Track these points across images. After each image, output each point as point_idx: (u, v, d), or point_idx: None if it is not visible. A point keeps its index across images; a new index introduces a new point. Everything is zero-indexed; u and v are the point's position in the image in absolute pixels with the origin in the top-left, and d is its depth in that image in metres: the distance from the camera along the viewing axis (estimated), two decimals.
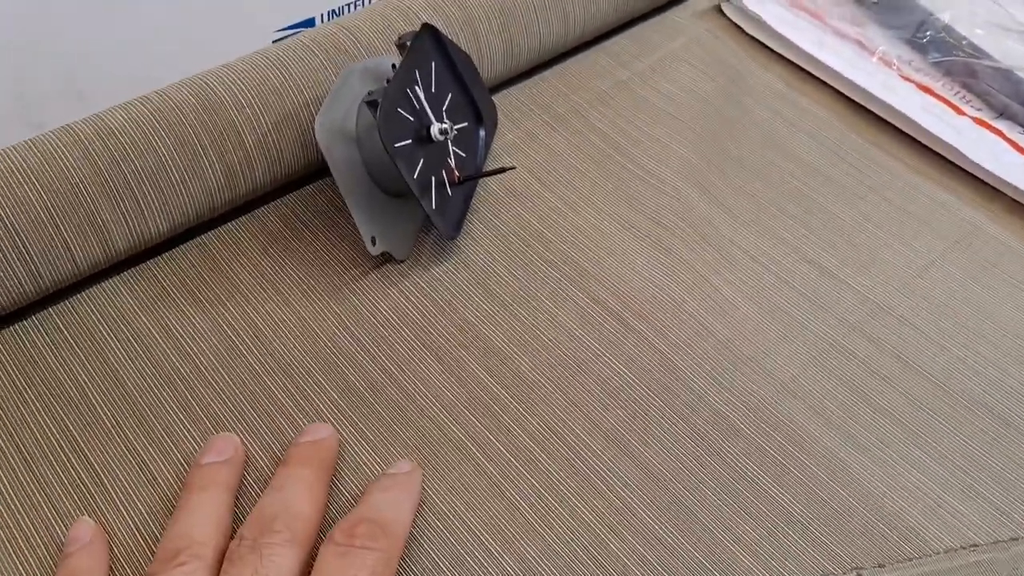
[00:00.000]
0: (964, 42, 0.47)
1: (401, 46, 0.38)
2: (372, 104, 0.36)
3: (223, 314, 0.37)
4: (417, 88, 0.37)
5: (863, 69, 0.48)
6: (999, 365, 0.38)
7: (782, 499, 0.33)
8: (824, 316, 0.39)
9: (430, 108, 0.38)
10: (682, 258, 0.40)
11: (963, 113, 0.46)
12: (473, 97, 0.42)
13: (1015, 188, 0.43)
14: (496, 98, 0.47)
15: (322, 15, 0.44)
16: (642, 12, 0.53)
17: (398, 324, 0.37)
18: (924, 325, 0.39)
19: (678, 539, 0.31)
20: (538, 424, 0.34)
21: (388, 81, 0.39)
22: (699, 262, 0.40)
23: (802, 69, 0.50)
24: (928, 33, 0.48)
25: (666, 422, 0.35)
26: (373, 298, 0.38)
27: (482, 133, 0.42)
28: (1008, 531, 0.33)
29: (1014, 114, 0.46)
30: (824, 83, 0.49)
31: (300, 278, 0.38)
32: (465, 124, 0.41)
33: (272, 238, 0.40)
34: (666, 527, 0.32)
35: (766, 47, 0.52)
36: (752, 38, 0.52)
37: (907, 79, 0.48)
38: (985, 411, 0.36)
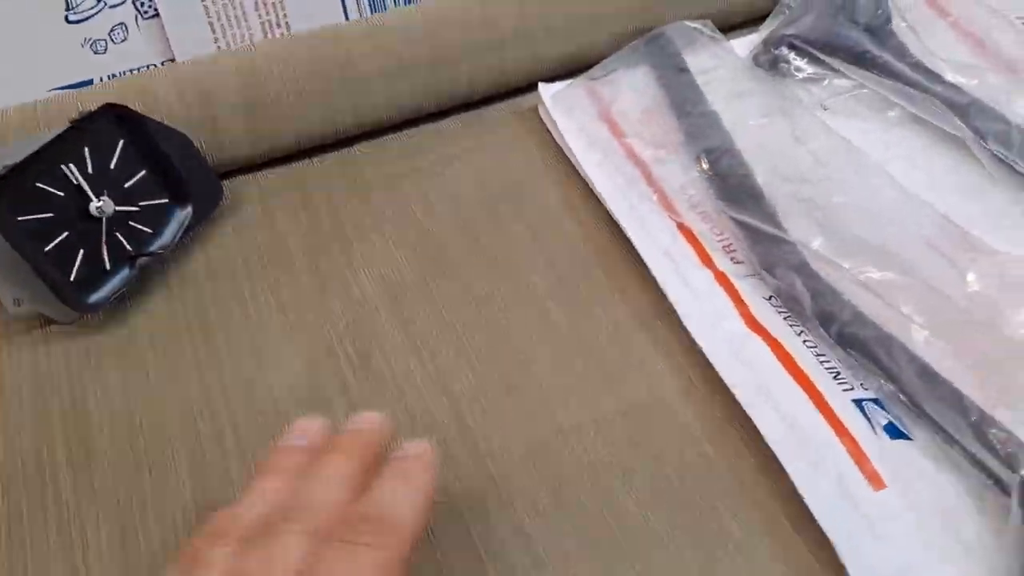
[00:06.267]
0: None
1: (73, 124, 0.40)
2: None
3: None
4: (71, 166, 0.39)
5: (628, 198, 0.43)
6: None
7: None
8: None
9: (90, 185, 0.40)
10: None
11: (710, 265, 0.40)
12: (180, 175, 0.43)
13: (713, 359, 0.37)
14: (254, 177, 0.48)
15: (101, 77, 0.47)
16: (439, 110, 0.51)
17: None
18: None
19: None
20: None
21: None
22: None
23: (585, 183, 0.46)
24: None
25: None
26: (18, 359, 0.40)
27: (183, 211, 0.43)
28: None
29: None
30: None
31: None
32: (157, 201, 0.42)
33: None
34: None
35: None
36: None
37: (672, 214, 0.43)
38: None
